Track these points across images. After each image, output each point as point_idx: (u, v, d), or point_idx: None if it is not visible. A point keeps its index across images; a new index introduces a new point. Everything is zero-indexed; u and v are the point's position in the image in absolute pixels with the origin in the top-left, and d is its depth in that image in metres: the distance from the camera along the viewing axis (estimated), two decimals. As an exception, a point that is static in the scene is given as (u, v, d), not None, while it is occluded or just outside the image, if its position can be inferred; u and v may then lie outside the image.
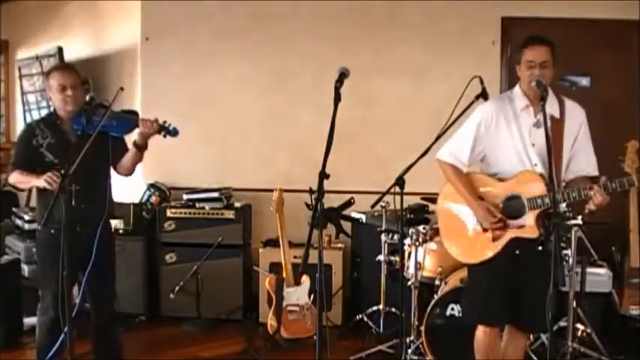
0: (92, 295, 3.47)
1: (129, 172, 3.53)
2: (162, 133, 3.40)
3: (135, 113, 3.55)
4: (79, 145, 3.10)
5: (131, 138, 3.50)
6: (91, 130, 3.18)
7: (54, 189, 3.08)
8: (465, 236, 3.22)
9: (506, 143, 3.11)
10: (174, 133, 3.42)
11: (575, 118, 3.12)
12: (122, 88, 3.25)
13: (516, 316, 3.16)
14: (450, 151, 3.20)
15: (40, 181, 3.24)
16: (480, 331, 3.26)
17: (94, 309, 3.52)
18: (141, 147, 3.41)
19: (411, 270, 4.16)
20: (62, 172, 2.99)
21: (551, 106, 3.01)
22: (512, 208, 3.07)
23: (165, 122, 3.42)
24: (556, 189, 2.86)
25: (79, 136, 3.24)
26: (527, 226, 3.04)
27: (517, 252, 3.07)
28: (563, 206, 3.33)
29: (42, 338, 3.46)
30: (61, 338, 3.11)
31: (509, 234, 3.08)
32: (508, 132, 3.10)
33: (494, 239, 3.11)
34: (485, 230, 3.14)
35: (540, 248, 2.97)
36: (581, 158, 3.13)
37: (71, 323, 2.96)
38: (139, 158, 3.47)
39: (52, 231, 3.29)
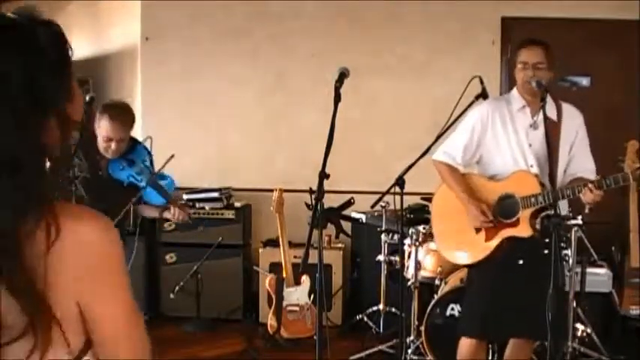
0: None
1: (142, 216, 3.59)
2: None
3: (170, 182, 3.53)
4: (104, 185, 3.20)
5: None
6: (125, 178, 3.29)
7: None
8: (458, 237, 3.21)
9: (502, 144, 3.10)
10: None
11: (572, 122, 3.11)
12: (173, 156, 3.32)
13: (518, 329, 3.12)
14: (445, 151, 3.21)
15: None
16: (466, 342, 3.19)
17: None
18: (165, 219, 3.57)
19: (411, 270, 4.16)
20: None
21: (549, 109, 2.98)
22: (506, 206, 3.07)
23: (191, 212, 3.53)
24: (551, 188, 2.85)
25: (109, 175, 3.29)
26: (521, 224, 3.03)
27: (521, 262, 3.04)
28: (564, 206, 3.31)
29: None
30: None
31: (503, 233, 3.07)
32: (504, 133, 3.09)
33: (487, 239, 3.10)
34: (478, 231, 3.12)
35: (546, 252, 2.85)
36: (578, 162, 3.12)
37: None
38: (154, 218, 3.62)
39: None
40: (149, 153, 3.45)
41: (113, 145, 3.28)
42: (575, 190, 2.93)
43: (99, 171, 3.37)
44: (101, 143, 3.31)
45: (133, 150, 3.42)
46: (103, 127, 3.28)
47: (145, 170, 3.32)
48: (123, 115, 3.36)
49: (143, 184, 3.22)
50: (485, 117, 3.11)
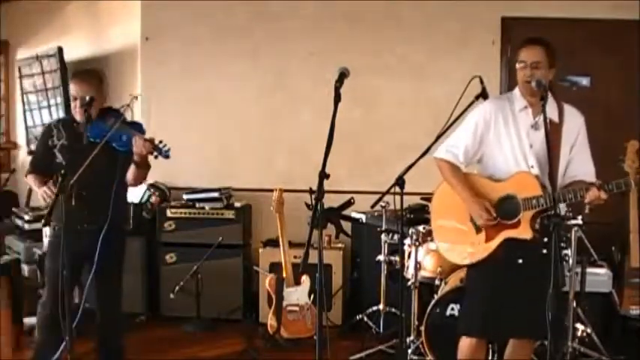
0: (97, 296, 3.50)
1: (134, 184, 3.54)
2: (154, 153, 3.33)
3: (140, 127, 3.52)
4: (85, 150, 3.14)
5: None
6: (104, 134, 3.25)
7: (47, 204, 3.26)
8: (458, 237, 3.20)
9: (504, 144, 3.10)
10: (165, 155, 3.33)
11: (574, 123, 3.11)
12: (136, 97, 3.28)
13: (518, 329, 3.12)
14: (447, 149, 3.20)
15: (40, 192, 3.40)
16: (466, 342, 3.18)
17: (98, 310, 3.54)
18: (138, 164, 3.37)
19: (411, 270, 4.16)
20: (62, 172, 3.00)
21: (550, 111, 2.98)
22: (507, 208, 3.06)
23: (160, 142, 3.35)
24: (552, 190, 2.85)
25: (90, 142, 3.26)
26: (522, 226, 3.02)
27: (520, 261, 3.04)
28: (563, 207, 3.32)
29: (39, 333, 3.53)
30: (63, 344, 3.10)
31: (503, 234, 3.06)
32: (506, 132, 3.09)
33: (488, 240, 3.10)
34: (479, 231, 3.12)
35: (545, 251, 2.88)
36: (578, 164, 3.11)
37: (70, 323, 2.96)
38: (140, 174, 3.44)
39: (56, 228, 3.42)
40: (122, 115, 3.48)
41: (79, 103, 3.39)
42: (577, 194, 2.93)
43: (78, 137, 3.41)
44: (72, 108, 3.47)
45: (107, 114, 3.49)
46: (70, 89, 3.47)
47: (117, 122, 3.36)
48: (85, 74, 3.55)
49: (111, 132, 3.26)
50: (489, 116, 3.11)
